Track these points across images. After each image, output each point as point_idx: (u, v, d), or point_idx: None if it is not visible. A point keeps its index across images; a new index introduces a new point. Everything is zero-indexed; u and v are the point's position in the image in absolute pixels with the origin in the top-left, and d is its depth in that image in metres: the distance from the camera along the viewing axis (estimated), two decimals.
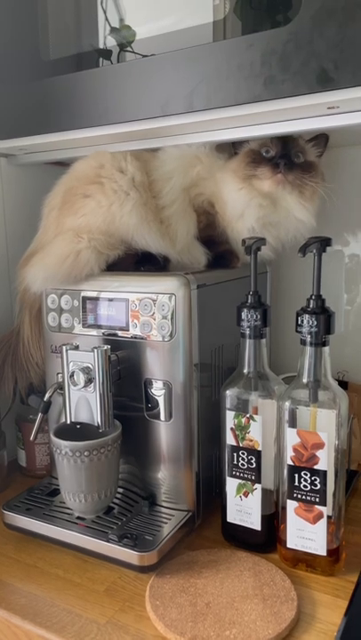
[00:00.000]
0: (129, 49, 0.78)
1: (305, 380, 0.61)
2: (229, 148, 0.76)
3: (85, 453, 0.64)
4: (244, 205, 0.72)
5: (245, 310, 0.64)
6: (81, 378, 0.65)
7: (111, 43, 0.80)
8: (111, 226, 0.70)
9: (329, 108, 0.59)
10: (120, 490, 0.71)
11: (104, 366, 0.65)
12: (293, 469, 0.60)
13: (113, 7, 0.81)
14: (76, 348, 0.67)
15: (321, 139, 0.74)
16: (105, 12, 0.81)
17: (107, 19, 0.81)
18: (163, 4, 0.77)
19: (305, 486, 0.60)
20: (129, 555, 0.61)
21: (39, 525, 0.66)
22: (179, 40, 0.70)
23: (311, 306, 0.60)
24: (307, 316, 0.59)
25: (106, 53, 0.80)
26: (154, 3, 0.79)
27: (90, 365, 0.66)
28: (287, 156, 0.70)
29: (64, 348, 0.67)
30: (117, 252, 0.71)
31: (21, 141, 0.78)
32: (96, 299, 0.71)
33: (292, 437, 0.60)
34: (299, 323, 0.60)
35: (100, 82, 0.72)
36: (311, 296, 0.60)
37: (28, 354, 0.79)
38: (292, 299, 0.89)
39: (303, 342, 0.60)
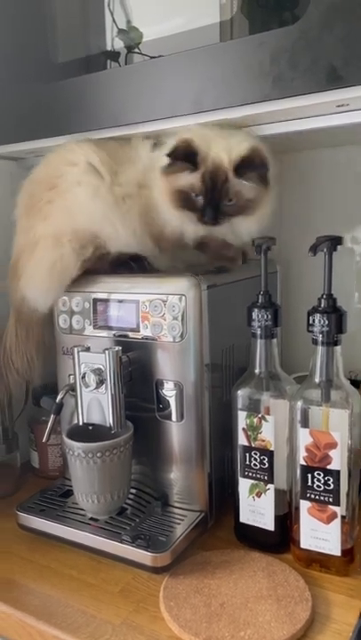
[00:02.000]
0: (136, 50, 0.78)
1: (317, 380, 0.61)
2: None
3: (98, 454, 0.64)
4: (179, 226, 0.69)
5: (256, 310, 0.64)
6: (93, 379, 0.66)
7: (118, 45, 0.80)
8: (75, 222, 0.71)
9: (338, 105, 0.59)
10: (132, 490, 0.71)
11: (115, 368, 0.65)
12: (306, 469, 0.60)
13: (120, 9, 0.81)
14: (88, 349, 0.68)
15: (256, 165, 0.66)
16: (112, 14, 0.81)
17: (114, 20, 0.82)
18: (169, 5, 0.77)
19: (318, 486, 0.60)
20: (142, 555, 0.61)
21: (53, 526, 0.67)
22: (185, 41, 0.70)
23: (323, 305, 0.59)
24: (318, 315, 0.59)
25: (113, 55, 0.81)
26: (161, 4, 0.79)
27: (101, 367, 0.66)
28: (215, 204, 0.66)
29: (75, 349, 0.67)
30: (90, 250, 0.71)
31: (32, 144, 0.78)
32: (107, 300, 0.71)
33: (304, 437, 0.60)
34: (310, 322, 0.60)
35: (109, 84, 0.72)
36: (322, 295, 0.60)
37: (9, 359, 0.79)
38: (302, 298, 0.89)
39: (315, 342, 0.60)
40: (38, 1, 0.75)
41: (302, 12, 0.57)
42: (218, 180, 0.66)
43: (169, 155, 0.66)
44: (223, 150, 0.66)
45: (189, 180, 0.67)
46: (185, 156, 0.66)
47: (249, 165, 0.65)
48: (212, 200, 0.66)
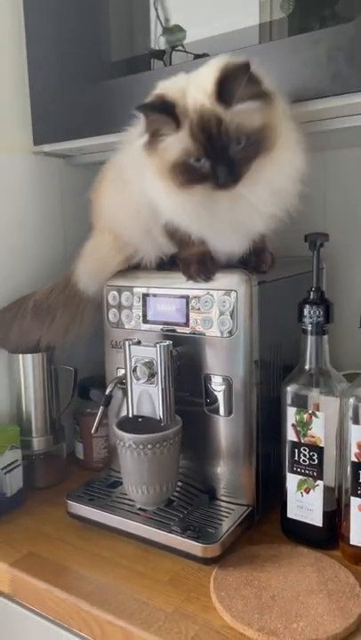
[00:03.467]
0: (180, 48, 0.79)
1: None
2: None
3: (149, 446, 0.65)
4: (186, 216, 0.60)
5: (308, 307, 0.64)
6: (144, 372, 0.67)
7: (162, 43, 0.81)
8: (111, 222, 0.74)
9: None
10: (179, 483, 0.72)
11: (166, 361, 0.66)
12: (358, 466, 0.60)
13: (161, 9, 0.82)
14: (139, 343, 0.69)
15: (238, 79, 0.53)
16: (157, 10, 0.82)
17: (158, 17, 0.83)
18: (210, 6, 0.77)
19: None
20: (193, 546, 0.62)
21: (103, 515, 0.68)
22: (225, 42, 0.71)
23: None
24: None
25: (159, 54, 0.82)
26: (200, 5, 0.79)
27: (152, 360, 0.67)
28: (224, 157, 0.55)
29: (127, 343, 0.68)
30: (129, 249, 0.73)
31: (83, 142, 0.80)
32: (156, 295, 0.72)
33: (356, 434, 0.60)
34: None
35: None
36: None
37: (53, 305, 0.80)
38: (349, 295, 0.88)
39: None
40: (93, 3, 0.77)
41: (347, 10, 0.57)
42: (210, 125, 0.54)
43: (142, 109, 0.56)
44: (198, 90, 0.55)
45: (179, 144, 0.55)
46: (162, 110, 0.55)
47: (230, 84, 0.53)
48: (217, 154, 0.54)
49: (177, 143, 0.56)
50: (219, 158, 0.55)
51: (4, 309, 0.82)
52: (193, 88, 0.56)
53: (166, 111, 0.55)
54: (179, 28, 0.82)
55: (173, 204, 0.60)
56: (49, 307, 0.79)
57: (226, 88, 0.54)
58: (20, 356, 0.82)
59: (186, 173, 0.56)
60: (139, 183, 0.64)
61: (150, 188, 0.61)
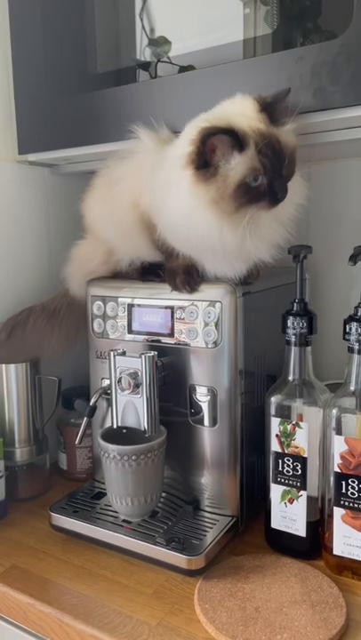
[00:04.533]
0: (166, 60, 0.80)
1: (352, 388, 0.62)
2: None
3: (133, 457, 0.65)
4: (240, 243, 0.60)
5: (291, 318, 0.65)
6: (128, 383, 0.67)
7: (148, 56, 0.82)
8: (94, 229, 0.76)
9: None
10: (163, 494, 0.72)
11: (151, 372, 0.66)
12: (340, 477, 0.61)
13: (147, 21, 0.83)
14: (124, 353, 0.69)
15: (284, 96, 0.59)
16: (142, 21, 0.83)
17: (143, 27, 0.83)
18: (195, 18, 0.78)
19: (352, 494, 0.60)
20: (177, 558, 0.62)
21: (87, 528, 0.68)
22: (209, 55, 0.72)
23: (360, 314, 0.60)
24: (355, 324, 0.60)
25: (144, 65, 0.82)
26: (184, 18, 0.80)
27: (137, 371, 0.67)
28: (281, 175, 0.58)
29: (112, 353, 0.68)
30: (106, 249, 0.75)
31: (69, 152, 0.80)
32: (142, 306, 0.72)
33: (339, 445, 0.61)
34: (347, 330, 0.60)
35: (145, 94, 0.74)
36: (359, 304, 0.60)
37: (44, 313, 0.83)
38: (330, 306, 0.89)
39: (351, 350, 0.61)
40: (80, 14, 0.77)
41: (346, 27, 0.58)
42: (273, 143, 0.57)
43: (209, 132, 0.56)
44: (244, 117, 0.58)
45: (244, 164, 0.57)
46: (229, 134, 0.56)
47: (276, 107, 0.59)
48: (276, 171, 0.58)
49: (242, 163, 0.57)
50: (276, 175, 0.58)
51: (14, 316, 0.83)
52: (237, 116, 0.58)
53: (233, 134, 0.56)
54: (164, 40, 0.82)
55: (222, 231, 0.59)
56: (55, 309, 0.82)
57: (274, 111, 0.59)
58: (4, 365, 0.81)
59: (245, 194, 0.57)
60: (131, 196, 0.68)
61: (196, 216, 0.59)
